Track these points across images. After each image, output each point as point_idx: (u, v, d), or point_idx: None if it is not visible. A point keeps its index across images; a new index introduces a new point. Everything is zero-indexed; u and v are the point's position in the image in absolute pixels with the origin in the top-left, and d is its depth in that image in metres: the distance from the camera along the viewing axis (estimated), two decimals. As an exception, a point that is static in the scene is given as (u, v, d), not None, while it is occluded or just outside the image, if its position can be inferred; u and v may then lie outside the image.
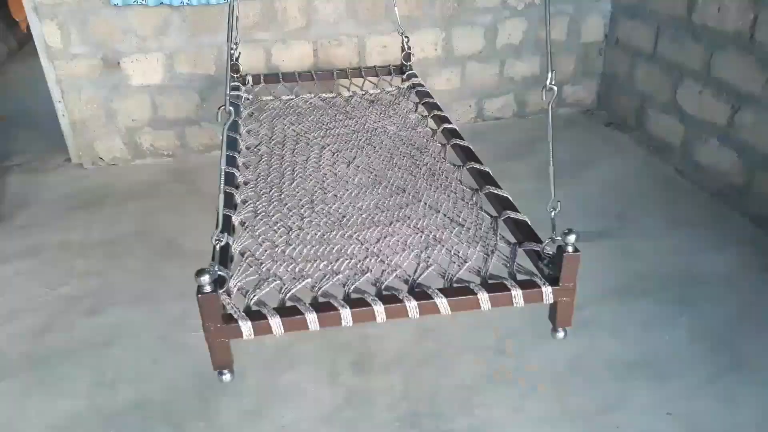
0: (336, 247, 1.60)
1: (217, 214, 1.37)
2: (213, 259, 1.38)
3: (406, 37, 2.86)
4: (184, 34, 3.59)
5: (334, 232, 1.67)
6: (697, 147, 3.34)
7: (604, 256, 2.71)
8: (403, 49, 2.86)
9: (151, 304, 2.48)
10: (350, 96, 2.72)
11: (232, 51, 2.78)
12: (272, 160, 2.13)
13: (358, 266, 1.52)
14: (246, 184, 1.95)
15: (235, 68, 2.81)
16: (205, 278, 1.25)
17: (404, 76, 2.84)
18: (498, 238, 1.62)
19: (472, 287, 1.39)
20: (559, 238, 1.41)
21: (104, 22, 3.45)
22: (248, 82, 2.84)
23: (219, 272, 1.35)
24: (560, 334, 1.48)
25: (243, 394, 2.08)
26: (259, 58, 3.73)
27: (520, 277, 1.46)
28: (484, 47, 4.00)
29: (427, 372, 2.14)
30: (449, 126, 2.25)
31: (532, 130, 4.09)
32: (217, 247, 1.38)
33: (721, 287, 2.49)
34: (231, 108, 1.29)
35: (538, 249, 1.51)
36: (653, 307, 2.40)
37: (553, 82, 1.45)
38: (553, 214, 1.51)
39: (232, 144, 2.17)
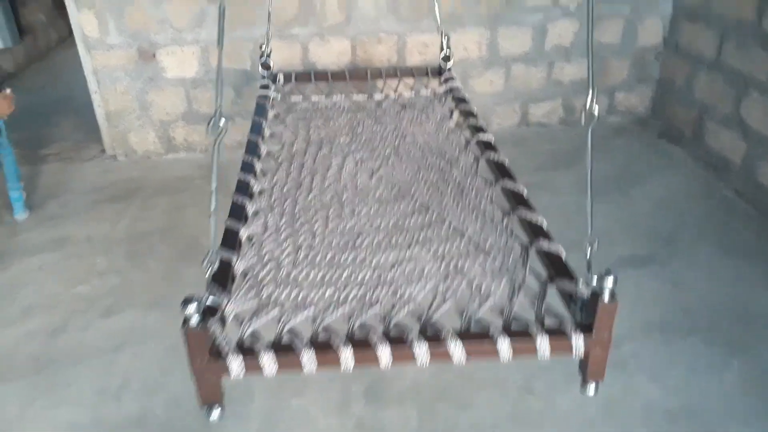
0: (346, 272, 1.46)
1: (211, 237, 1.25)
2: (207, 286, 1.26)
3: (446, 36, 2.68)
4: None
5: (346, 254, 1.53)
6: (760, 166, 3.06)
7: (648, 285, 2.49)
8: (442, 50, 2.69)
9: (166, 309, 2.41)
10: (382, 99, 2.57)
11: (263, 48, 2.67)
12: (292, 167, 2.01)
13: (367, 297, 1.38)
14: (261, 193, 1.83)
15: (265, 66, 2.70)
16: (192, 308, 1.13)
17: (442, 79, 2.67)
18: (527, 272, 1.45)
19: (491, 332, 1.23)
20: (595, 284, 1.22)
21: (140, 11, 3.40)
22: (279, 80, 2.72)
23: (212, 298, 1.24)
24: (591, 390, 1.31)
25: (248, 417, 1.96)
26: (294, 54, 3.62)
27: (547, 320, 1.30)
28: (531, 48, 3.78)
29: (444, 406, 1.98)
30: (484, 137, 2.07)
31: (579, 138, 3.81)
32: (208, 273, 1.25)
33: (779, 328, 2.24)
34: (223, 119, 1.16)
35: (570, 290, 1.33)
36: (701, 347, 2.17)
37: (594, 104, 1.25)
38: (589, 252, 1.32)
39: (253, 148, 2.05)
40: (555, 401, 1.98)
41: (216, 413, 1.26)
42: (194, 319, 1.14)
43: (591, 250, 1.32)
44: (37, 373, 2.15)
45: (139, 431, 1.92)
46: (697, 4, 3.51)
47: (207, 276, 1.25)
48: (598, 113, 1.26)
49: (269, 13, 2.69)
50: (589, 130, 1.29)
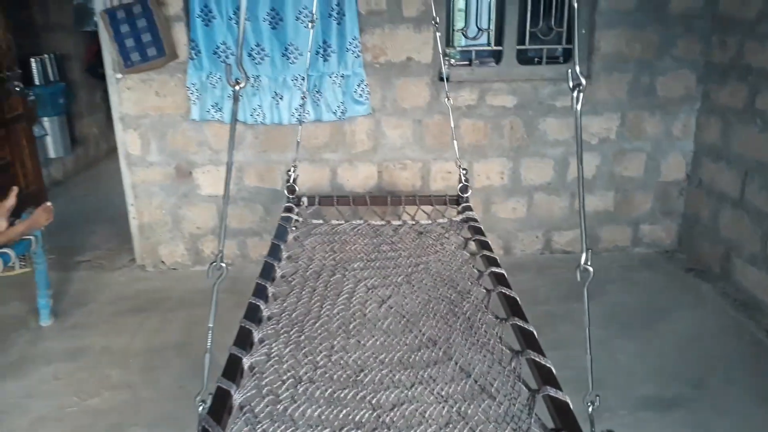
0: (344, 411, 1.43)
1: (204, 375, 1.25)
2: (198, 422, 1.25)
3: (464, 169, 2.78)
4: (255, 149, 3.71)
5: (347, 390, 1.51)
6: (792, 307, 2.96)
7: (674, 431, 2.35)
8: (460, 181, 2.77)
9: (171, 428, 2.36)
10: (400, 224, 2.63)
11: (291, 173, 2.80)
12: (303, 292, 2.03)
13: (364, 440, 1.34)
14: (269, 319, 1.84)
15: (291, 189, 2.81)
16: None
17: (459, 208, 2.73)
18: (533, 421, 1.39)
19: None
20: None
21: (182, 134, 3.64)
22: (303, 203, 2.83)
23: (203, 435, 1.22)
24: None
25: None
26: (324, 176, 3.78)
27: (550, 478, 1.23)
28: (553, 178, 3.87)
29: None
30: (497, 270, 2.07)
31: (603, 268, 3.81)
32: (201, 409, 1.24)
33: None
34: (222, 264, 1.21)
35: (574, 446, 1.27)
36: None
37: (588, 263, 1.26)
38: (590, 409, 1.27)
39: (267, 272, 2.09)
40: None
41: None
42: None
43: (591, 409, 1.27)
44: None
45: None
46: (717, 144, 3.59)
47: (199, 411, 1.23)
48: (593, 269, 1.26)
49: (298, 142, 2.86)
50: (585, 288, 1.29)
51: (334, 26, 3.48)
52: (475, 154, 3.77)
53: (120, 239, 4.24)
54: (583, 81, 1.22)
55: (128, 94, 3.58)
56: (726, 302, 3.34)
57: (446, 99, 2.84)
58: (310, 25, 2.74)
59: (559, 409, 1.39)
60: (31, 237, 3.00)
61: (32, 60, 5.49)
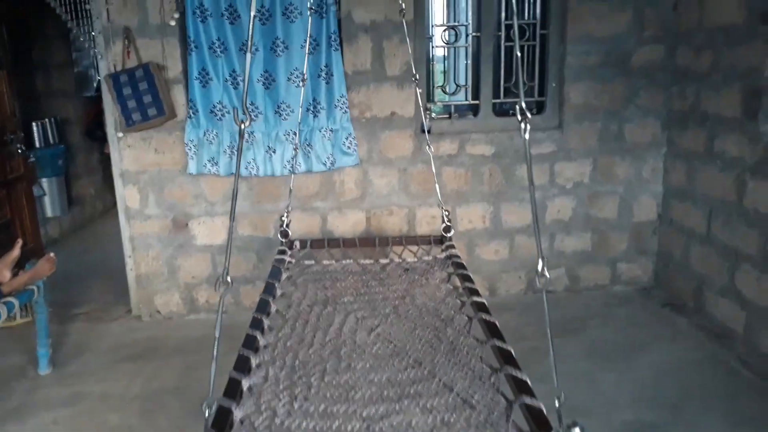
0: (336, 423, 1.56)
1: (211, 381, 1.39)
2: (205, 429, 1.38)
3: (446, 211, 2.97)
4: (249, 200, 3.90)
5: (338, 406, 1.64)
6: (761, 335, 3.11)
7: (653, 452, 2.46)
8: (443, 221, 2.96)
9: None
10: (387, 263, 2.80)
11: (284, 219, 2.98)
12: (297, 323, 2.17)
13: (355, 446, 1.46)
14: (266, 347, 1.97)
15: (284, 234, 2.99)
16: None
17: (443, 247, 2.91)
18: (510, 426, 1.52)
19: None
20: (563, 432, 1.31)
21: (179, 187, 3.83)
22: (295, 246, 3.00)
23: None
24: None
25: None
26: (314, 223, 3.96)
27: (524, 473, 1.36)
28: (532, 221, 4.06)
29: None
30: (478, 299, 2.23)
31: (585, 306, 3.97)
32: (207, 414, 1.37)
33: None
34: (228, 279, 1.36)
35: (546, 444, 1.40)
36: None
37: (545, 269, 1.43)
38: (557, 403, 1.42)
39: (263, 306, 2.24)
40: None
41: None
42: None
43: (558, 403, 1.41)
44: None
45: None
46: (684, 185, 3.82)
47: (206, 417, 1.36)
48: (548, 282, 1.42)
49: (291, 190, 3.06)
50: (544, 293, 1.45)
51: (323, 85, 3.75)
52: (458, 200, 3.98)
53: (115, 293, 4.35)
54: (528, 114, 1.43)
55: (128, 152, 3.78)
56: (701, 334, 3.49)
57: (428, 147, 3.07)
58: (301, 84, 3.00)
59: (534, 414, 1.53)
60: (33, 287, 3.12)
61: (34, 124, 5.73)
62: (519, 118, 1.43)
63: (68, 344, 3.66)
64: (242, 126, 1.46)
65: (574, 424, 1.29)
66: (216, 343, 1.40)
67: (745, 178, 3.22)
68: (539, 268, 1.45)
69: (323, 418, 1.58)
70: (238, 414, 1.55)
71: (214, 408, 1.38)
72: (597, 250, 4.15)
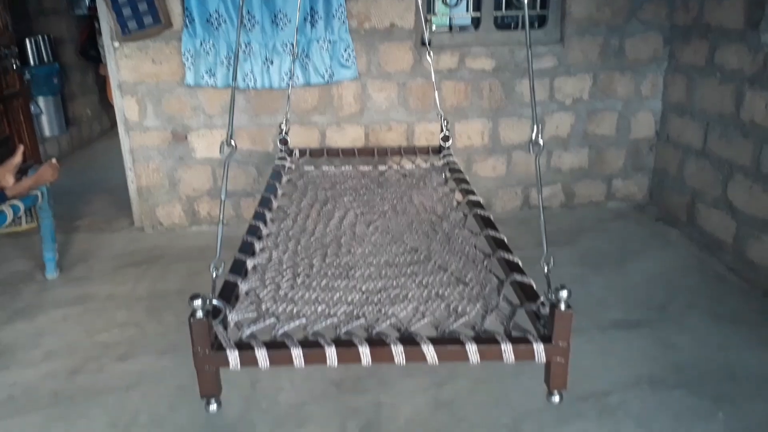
0: (337, 295, 1.64)
1: (218, 242, 1.46)
2: (212, 290, 1.45)
3: (445, 119, 2.99)
4: (247, 113, 3.89)
5: (339, 282, 1.72)
6: (749, 244, 3.20)
7: (638, 344, 2.58)
8: (441, 130, 2.98)
9: (178, 356, 2.55)
10: (386, 169, 2.84)
11: (283, 127, 3.00)
12: (298, 217, 2.23)
13: (354, 312, 1.55)
14: (268, 235, 2.04)
15: (283, 141, 3.01)
16: (198, 303, 1.32)
17: (441, 155, 2.94)
18: (501, 299, 1.60)
19: (462, 338, 1.38)
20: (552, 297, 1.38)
21: (177, 99, 3.82)
22: (295, 154, 3.03)
23: (216, 303, 1.42)
24: (555, 398, 1.43)
25: (249, 448, 2.07)
26: (313, 139, 3.97)
27: (515, 334, 1.44)
28: (530, 137, 4.07)
29: (435, 444, 2.06)
30: (474, 198, 2.29)
31: (579, 220, 4.05)
32: (214, 275, 1.45)
33: (764, 387, 2.30)
34: (233, 141, 1.40)
35: (534, 309, 1.48)
36: (688, 399, 2.23)
37: (540, 137, 1.48)
38: (546, 269, 1.49)
39: (265, 202, 2.30)
40: (542, 442, 2.05)
41: (214, 407, 1.40)
42: (199, 313, 1.32)
43: (547, 269, 1.48)
44: (55, 406, 2.28)
45: (142, 459, 2.02)
46: (682, 100, 3.82)
47: (213, 277, 1.43)
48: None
49: (288, 96, 3.06)
50: (536, 159, 1.50)
51: (321, -6, 3.68)
52: (457, 115, 3.98)
53: (117, 207, 4.41)
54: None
55: (125, 62, 3.75)
56: (692, 244, 3.59)
57: (428, 55, 3.04)
58: (298, -8, 2.94)
59: (526, 290, 1.61)
60: (37, 192, 3.17)
61: (27, 41, 5.62)
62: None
63: (73, 252, 3.75)
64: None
65: (562, 287, 1.36)
66: (222, 206, 1.45)
67: (744, 89, 3.23)
68: (533, 135, 1.49)
69: (325, 291, 1.66)
70: (243, 287, 1.64)
71: (221, 269, 1.45)
72: (593, 166, 4.19)
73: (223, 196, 1.48)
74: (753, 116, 3.17)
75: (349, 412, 2.22)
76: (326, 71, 3.80)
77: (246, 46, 3.72)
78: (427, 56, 3.05)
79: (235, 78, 1.60)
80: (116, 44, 3.72)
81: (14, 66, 4.95)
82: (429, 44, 3.14)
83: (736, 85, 3.29)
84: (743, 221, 3.26)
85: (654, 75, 4.02)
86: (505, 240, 1.92)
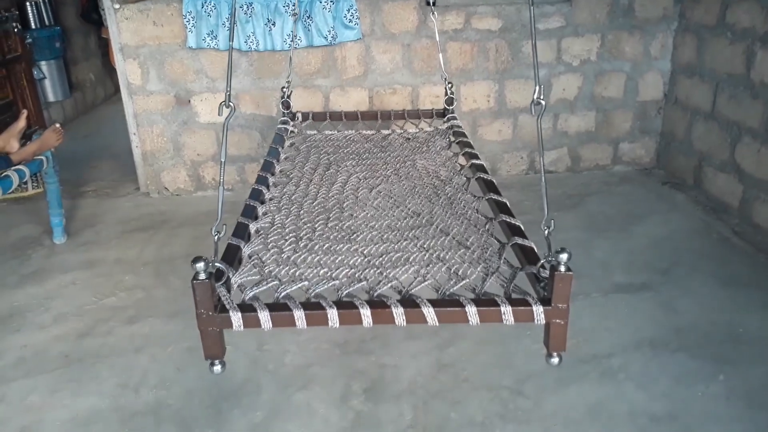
0: (339, 258, 1.65)
1: (218, 206, 1.46)
2: (215, 253, 1.46)
3: (449, 83, 2.95)
4: (250, 76, 3.86)
5: (341, 245, 1.72)
6: (756, 207, 3.18)
7: (641, 307, 2.60)
8: (446, 93, 2.94)
9: (186, 319, 2.59)
10: (389, 133, 2.82)
11: (285, 90, 2.97)
12: (301, 181, 2.23)
13: (356, 275, 1.56)
14: (271, 200, 2.04)
15: (286, 105, 2.99)
16: (201, 265, 1.33)
17: (445, 119, 2.91)
18: (501, 262, 1.61)
19: (462, 300, 1.39)
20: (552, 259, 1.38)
21: (179, 62, 3.78)
22: (297, 118, 3.01)
23: (218, 265, 1.43)
24: (554, 360, 1.44)
25: (255, 407, 2.11)
26: (317, 102, 3.94)
27: (515, 296, 1.45)
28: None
29: (438, 405, 2.10)
30: (477, 162, 2.28)
31: (584, 184, 4.03)
32: (216, 238, 1.46)
33: (767, 349, 2.31)
34: (232, 104, 1.40)
35: (535, 272, 1.49)
36: (689, 361, 2.25)
37: (541, 96, 1.46)
38: (546, 232, 1.49)
39: (267, 167, 2.29)
40: (543, 402, 2.08)
41: (218, 368, 1.43)
42: (202, 275, 1.33)
43: (548, 231, 1.48)
44: (65, 368, 2.33)
45: (152, 418, 2.07)
46: (691, 61, 3.75)
47: (215, 240, 1.44)
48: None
49: (291, 59, 3.02)
50: (538, 119, 1.48)
51: (323, -48, 3.59)
52: (462, 77, 3.93)
53: (123, 172, 4.43)
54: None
55: (126, 24, 3.70)
56: (698, 208, 3.57)
57: (432, 14, 2.97)
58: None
59: (527, 253, 1.60)
60: (42, 157, 3.18)
61: (28, 3, 5.55)
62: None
63: (80, 218, 3.77)
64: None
65: (562, 250, 1.36)
66: (222, 168, 1.45)
67: (755, 48, 3.16)
68: (535, 95, 1.47)
69: (327, 254, 1.67)
70: (246, 250, 1.65)
71: (223, 233, 1.46)
72: (600, 129, 4.15)
73: (222, 158, 1.47)
74: (763, 77, 3.11)
75: (354, 374, 2.26)
76: (329, 32, 3.74)
77: (247, 8, 3.66)
78: (431, 15, 2.99)
79: (232, 38, 1.58)
80: (116, 6, 3.67)
81: (15, 29, 4.90)
82: (434, 3, 3.08)
83: (748, 44, 3.22)
84: (750, 184, 3.23)
85: (663, 35, 3.93)
86: (508, 204, 1.91)
